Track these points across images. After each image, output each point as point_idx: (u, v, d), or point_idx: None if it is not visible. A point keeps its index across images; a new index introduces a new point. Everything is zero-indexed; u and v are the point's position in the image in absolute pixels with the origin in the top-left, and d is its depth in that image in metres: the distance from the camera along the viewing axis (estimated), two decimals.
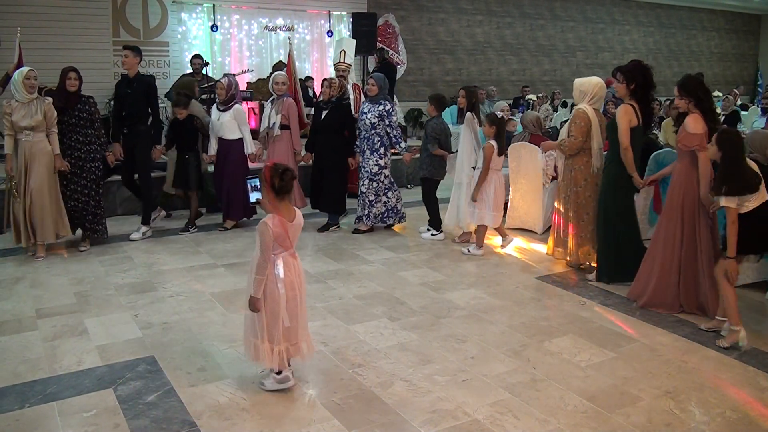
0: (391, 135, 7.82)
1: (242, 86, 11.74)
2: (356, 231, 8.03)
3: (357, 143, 8.01)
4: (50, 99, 6.75)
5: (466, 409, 3.92)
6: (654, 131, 8.03)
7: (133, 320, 5.28)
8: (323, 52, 13.88)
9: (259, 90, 12.10)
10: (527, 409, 3.95)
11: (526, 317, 5.42)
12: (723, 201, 4.72)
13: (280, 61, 12.31)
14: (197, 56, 11.19)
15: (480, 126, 7.44)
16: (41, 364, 4.49)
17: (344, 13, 13.86)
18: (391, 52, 14.17)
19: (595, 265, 6.45)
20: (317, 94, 9.77)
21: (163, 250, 7.27)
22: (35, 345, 4.80)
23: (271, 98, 8.41)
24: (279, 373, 4.08)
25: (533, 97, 14.48)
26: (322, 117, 8.01)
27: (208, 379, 4.30)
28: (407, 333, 5.05)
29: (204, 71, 11.14)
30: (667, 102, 9.63)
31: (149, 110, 7.61)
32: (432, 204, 7.79)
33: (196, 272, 6.50)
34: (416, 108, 14.69)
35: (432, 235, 7.82)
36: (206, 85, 10.50)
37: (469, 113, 7.39)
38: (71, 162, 6.94)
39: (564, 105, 14.45)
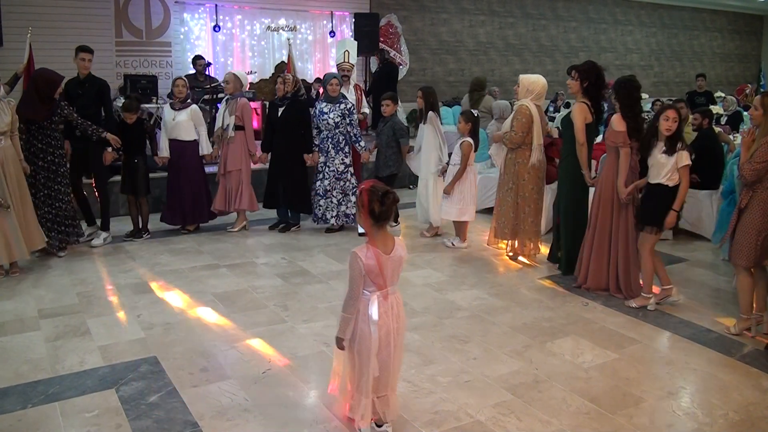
0: (352, 133, 7.93)
1: (245, 86, 11.73)
2: (330, 230, 8.10)
3: (315, 142, 8.00)
4: (13, 100, 6.37)
5: (469, 410, 3.92)
6: None
7: (135, 321, 5.28)
8: (325, 52, 13.87)
9: (261, 90, 12.12)
10: (529, 410, 3.95)
11: (528, 318, 5.41)
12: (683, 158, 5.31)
13: (282, 62, 12.31)
14: (199, 57, 11.21)
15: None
16: (43, 364, 4.49)
17: (347, 14, 13.86)
18: (393, 52, 14.16)
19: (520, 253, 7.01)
20: (321, 94, 9.76)
21: (166, 250, 7.27)
22: (38, 345, 4.80)
23: (225, 98, 8.16)
24: (379, 425, 3.63)
25: None
26: (279, 114, 7.93)
27: (210, 379, 4.30)
28: (409, 334, 5.04)
29: (206, 72, 11.15)
30: (669, 102, 9.60)
31: (102, 113, 7.38)
32: None
33: (198, 273, 6.51)
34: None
35: (391, 226, 8.02)
36: (209, 86, 10.51)
37: (431, 112, 7.62)
38: (44, 166, 6.67)
39: (567, 106, 14.43)
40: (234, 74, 8.15)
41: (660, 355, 4.79)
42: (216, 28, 12.47)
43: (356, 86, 9.75)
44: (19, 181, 6.28)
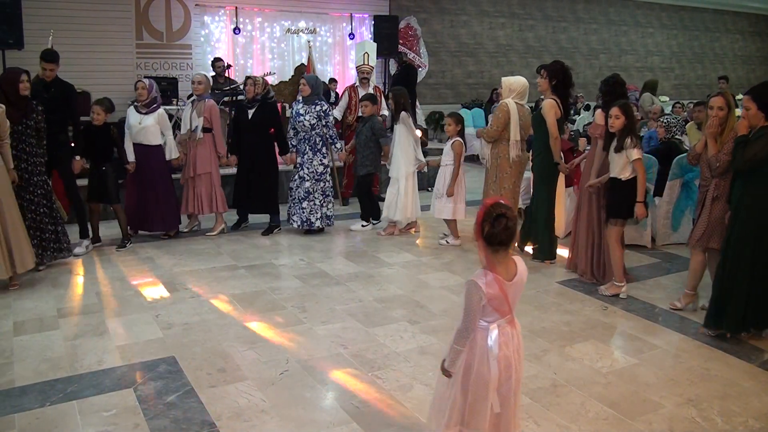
0: (327, 135, 8.02)
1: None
2: (309, 231, 8.11)
3: (293, 143, 8.05)
4: (3, 106, 5.88)
5: None
6: (677, 136, 7.95)
7: (154, 321, 5.31)
8: (345, 54, 13.89)
9: (281, 93, 12.13)
10: (548, 415, 3.92)
11: (547, 322, 5.38)
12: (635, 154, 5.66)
13: (302, 64, 12.33)
14: (218, 59, 11.25)
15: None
16: (62, 363, 4.53)
17: (366, 16, 13.87)
18: (412, 54, 14.15)
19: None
20: (340, 95, 9.78)
21: (185, 251, 7.30)
22: (57, 344, 4.84)
23: (191, 99, 7.97)
24: None
25: None
26: (249, 116, 7.88)
27: (227, 380, 4.31)
28: (427, 336, 5.04)
29: (226, 74, 11.20)
30: (690, 105, 9.50)
31: (68, 118, 6.99)
32: (368, 197, 8.34)
33: (217, 273, 6.53)
34: (437, 111, 14.67)
35: (362, 226, 8.31)
36: (228, 87, 10.55)
37: (403, 113, 7.80)
38: (18, 175, 6.10)
39: (587, 108, 14.33)
40: (206, 75, 8.08)
41: (679, 360, 4.74)
42: (236, 30, 12.52)
43: (375, 88, 9.76)
44: (9, 192, 5.87)
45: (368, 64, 9.47)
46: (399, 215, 7.90)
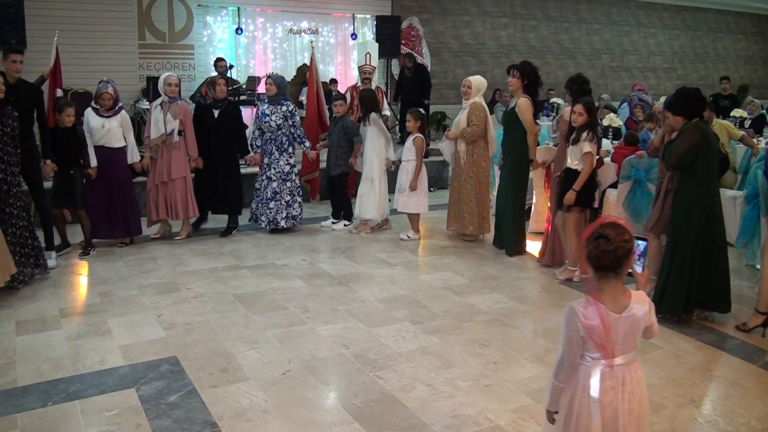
0: (296, 134, 8.03)
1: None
2: (275, 230, 8.13)
3: (258, 143, 8.01)
4: None
5: (488, 415, 3.90)
6: None
7: (156, 320, 5.31)
8: (347, 55, 13.91)
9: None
10: None
11: (549, 322, 5.38)
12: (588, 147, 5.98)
13: (305, 64, 12.34)
14: (221, 59, 11.27)
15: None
16: (64, 362, 4.53)
17: (368, 16, 13.88)
18: (415, 55, 14.17)
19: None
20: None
21: (187, 251, 7.30)
22: (59, 344, 4.84)
23: (160, 101, 7.52)
24: None
25: (559, 100, 14.32)
26: (216, 117, 7.76)
27: (230, 380, 4.32)
28: (429, 337, 5.04)
29: (228, 74, 11.21)
30: None
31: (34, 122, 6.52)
32: (343, 197, 8.45)
33: (219, 273, 6.53)
34: (440, 111, 14.67)
35: (345, 225, 8.40)
36: (230, 87, 10.55)
37: (373, 113, 8.03)
38: None
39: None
40: (178, 77, 7.84)
41: (682, 361, 4.73)
42: (238, 30, 12.54)
43: (378, 88, 9.76)
44: None
45: (370, 65, 9.47)
46: (371, 213, 8.04)
